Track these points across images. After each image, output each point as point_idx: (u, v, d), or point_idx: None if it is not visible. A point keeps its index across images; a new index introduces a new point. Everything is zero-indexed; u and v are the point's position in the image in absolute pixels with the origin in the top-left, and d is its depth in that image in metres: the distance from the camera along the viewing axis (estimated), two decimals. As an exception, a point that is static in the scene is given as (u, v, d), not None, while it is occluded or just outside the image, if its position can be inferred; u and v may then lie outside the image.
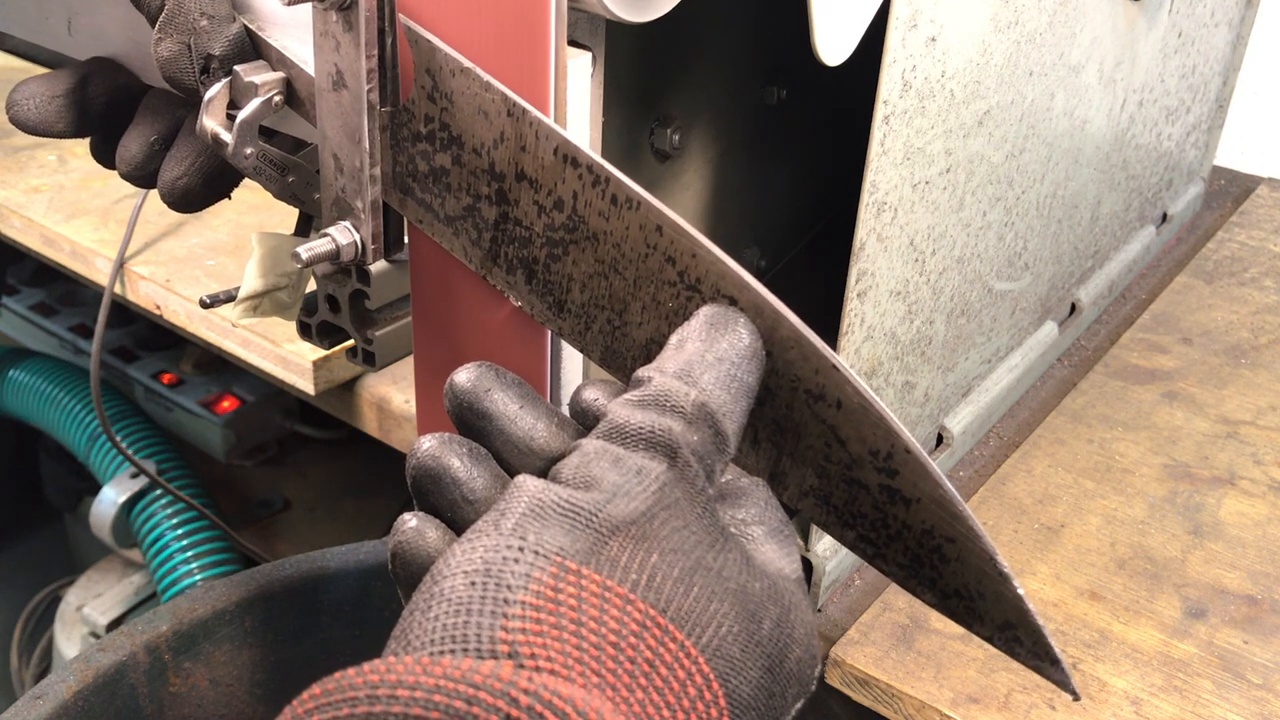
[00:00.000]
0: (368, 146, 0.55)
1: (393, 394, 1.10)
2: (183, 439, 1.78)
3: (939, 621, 0.91)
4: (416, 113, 0.54)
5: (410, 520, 0.48)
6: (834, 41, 0.67)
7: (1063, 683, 0.49)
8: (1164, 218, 1.43)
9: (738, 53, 0.95)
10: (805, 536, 0.90)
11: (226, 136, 0.58)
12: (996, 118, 0.89)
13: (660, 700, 0.40)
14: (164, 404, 1.77)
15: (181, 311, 1.23)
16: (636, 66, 0.84)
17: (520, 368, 0.63)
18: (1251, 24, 1.42)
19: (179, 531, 1.67)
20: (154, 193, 0.68)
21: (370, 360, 1.00)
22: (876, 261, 0.80)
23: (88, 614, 1.76)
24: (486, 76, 0.52)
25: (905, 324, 0.89)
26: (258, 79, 0.57)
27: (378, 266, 0.95)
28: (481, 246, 0.54)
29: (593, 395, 0.50)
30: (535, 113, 0.51)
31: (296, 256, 0.57)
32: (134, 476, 1.72)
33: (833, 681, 0.89)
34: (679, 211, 0.95)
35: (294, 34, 0.59)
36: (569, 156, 0.50)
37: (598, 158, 0.50)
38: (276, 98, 0.58)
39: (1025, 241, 1.04)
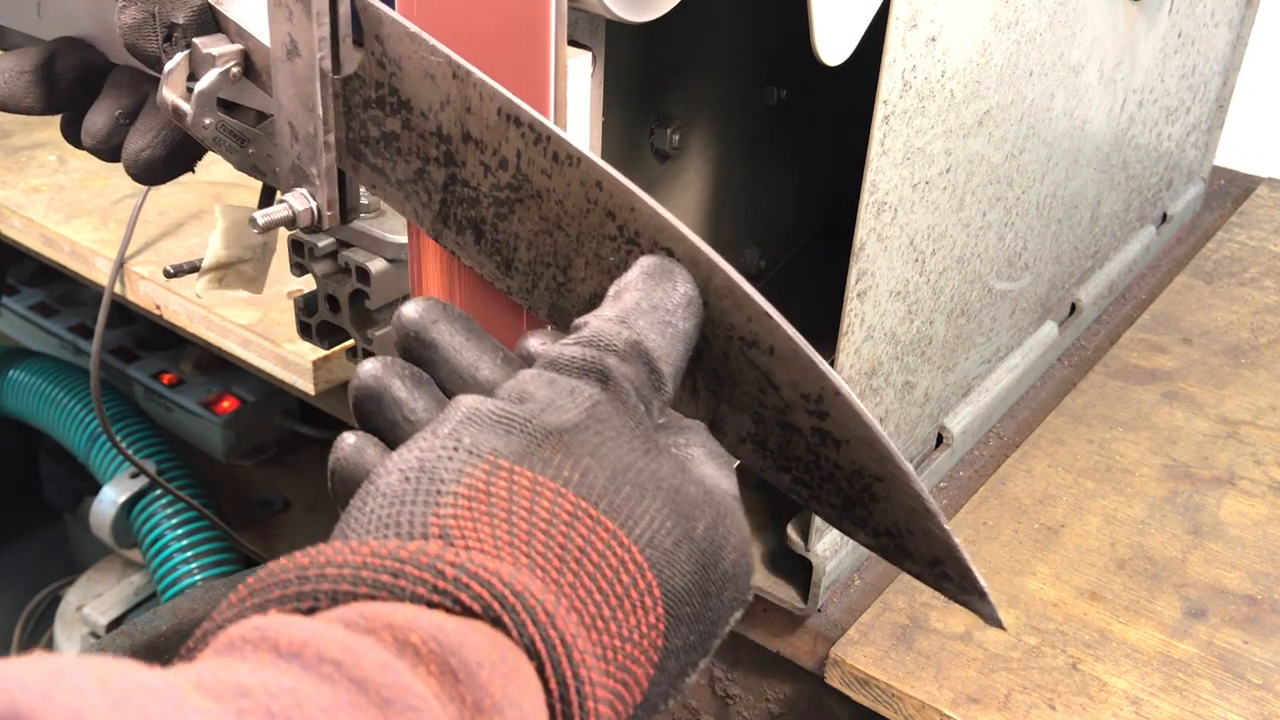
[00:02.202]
0: (321, 114, 0.56)
1: (393, 394, 1.10)
2: (183, 439, 1.78)
3: (939, 621, 0.91)
4: (367, 79, 0.55)
5: (349, 438, 0.48)
6: (834, 41, 0.67)
7: (990, 616, 0.51)
8: (1164, 218, 1.43)
9: (738, 53, 0.95)
10: (805, 537, 0.90)
11: (185, 107, 0.59)
12: (996, 118, 0.89)
13: (592, 584, 0.41)
14: (164, 404, 1.77)
15: (181, 311, 1.23)
16: (636, 66, 0.84)
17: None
18: (1251, 24, 1.42)
19: (179, 531, 1.67)
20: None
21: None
22: (876, 261, 0.80)
23: (88, 614, 1.76)
24: (432, 41, 0.53)
25: (905, 324, 0.89)
26: (215, 50, 0.58)
27: (377, 266, 0.95)
28: (432, 209, 0.56)
29: (537, 341, 0.51)
30: (479, 74, 0.52)
31: (253, 222, 0.58)
32: (134, 476, 1.72)
33: (833, 681, 0.89)
34: (679, 212, 0.95)
35: (252, 8, 0.60)
36: (511, 116, 0.51)
37: (539, 115, 0.51)
38: (234, 69, 0.59)
39: (1025, 241, 1.04)
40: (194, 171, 0.69)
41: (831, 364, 0.82)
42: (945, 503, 1.05)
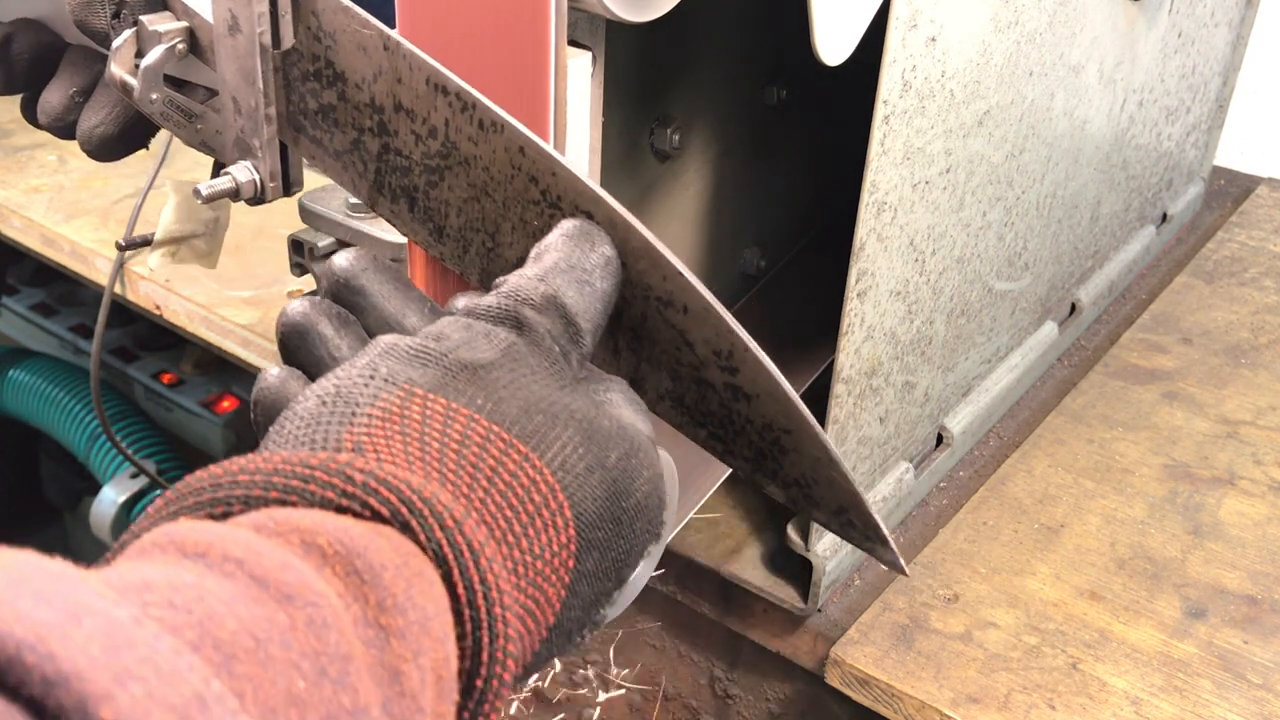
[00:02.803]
0: (262, 87, 0.58)
1: (393, 394, 1.10)
2: (183, 439, 1.78)
3: (939, 621, 0.91)
4: (305, 52, 0.57)
5: (273, 370, 0.50)
6: (834, 41, 0.67)
7: (893, 563, 0.53)
8: (1164, 218, 1.43)
9: (738, 53, 0.95)
10: (805, 537, 0.90)
11: (133, 82, 0.61)
12: (996, 118, 0.89)
13: (503, 501, 0.42)
14: (164, 404, 1.77)
15: (181, 311, 1.23)
16: (636, 66, 0.84)
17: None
18: (1251, 24, 1.42)
19: (179, 531, 1.67)
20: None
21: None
22: (876, 261, 0.80)
23: (88, 614, 1.76)
24: (364, 14, 0.55)
25: (905, 324, 0.89)
26: (162, 27, 0.60)
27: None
28: (367, 179, 0.57)
29: (463, 301, 0.52)
30: (408, 45, 0.53)
31: (197, 193, 0.60)
32: (134, 476, 1.72)
33: (833, 681, 0.89)
34: (678, 212, 0.95)
35: None
36: (439, 85, 0.53)
37: (464, 84, 0.52)
38: (180, 45, 0.61)
39: (1025, 241, 1.04)
40: (148, 148, 0.71)
41: (831, 364, 0.83)
42: (945, 503, 1.05)
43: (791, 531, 0.91)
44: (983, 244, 0.96)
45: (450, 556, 0.39)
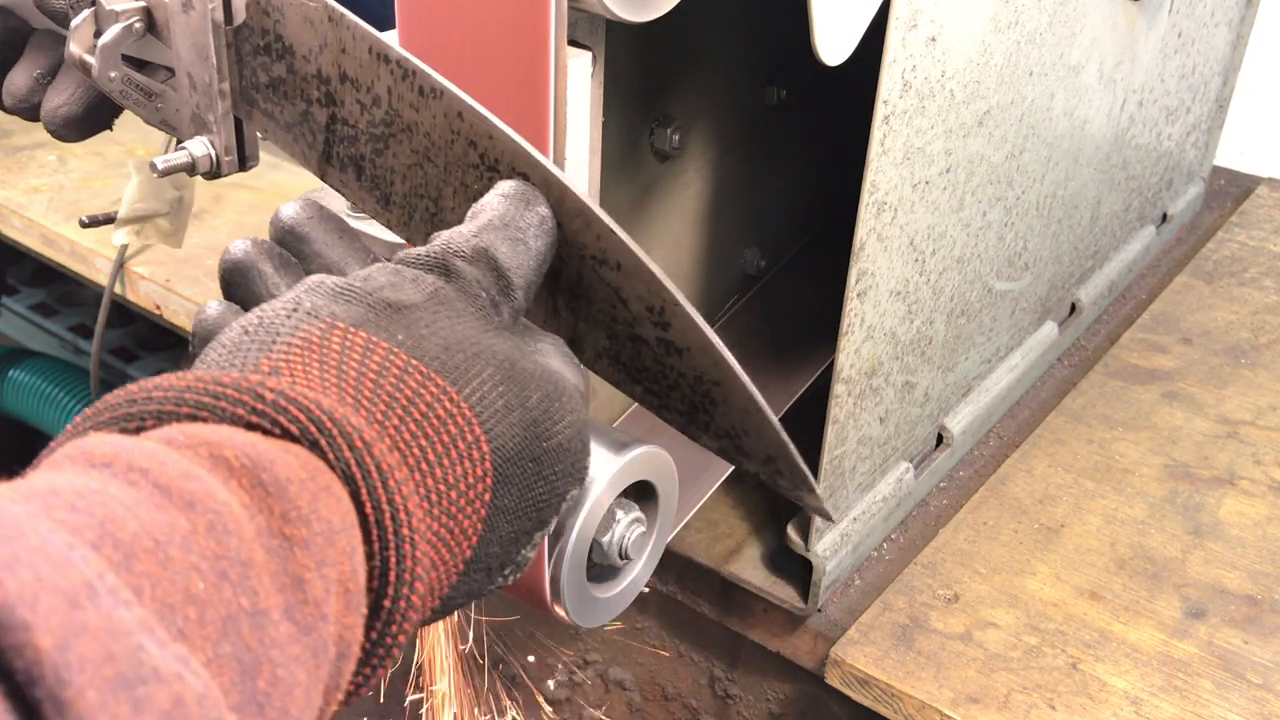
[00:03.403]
0: (215, 63, 0.60)
1: (393, 394, 1.10)
2: (183, 439, 1.78)
3: (939, 621, 0.91)
4: (255, 27, 0.58)
5: (213, 304, 0.51)
6: (834, 41, 0.67)
7: (819, 509, 0.55)
8: (1164, 218, 1.43)
9: (738, 53, 0.95)
10: (805, 537, 0.90)
11: (92, 61, 0.62)
12: (996, 118, 0.89)
13: (417, 430, 0.43)
14: (164, 404, 1.77)
15: (181, 311, 1.23)
16: (636, 66, 0.84)
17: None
18: (1251, 24, 1.42)
19: (179, 531, 1.67)
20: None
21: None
22: (876, 261, 0.80)
23: (88, 614, 1.76)
24: None
25: (905, 324, 0.89)
26: (119, 6, 0.61)
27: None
28: (317, 149, 0.59)
29: (399, 254, 0.54)
30: (350, 16, 0.55)
31: (153, 166, 0.61)
32: (134, 476, 1.72)
33: (833, 681, 0.89)
34: (678, 212, 0.95)
35: None
36: (381, 54, 0.54)
37: (405, 52, 0.54)
38: (137, 24, 0.62)
39: (1025, 241, 1.04)
40: (111, 129, 0.72)
41: (832, 364, 0.83)
42: (945, 503, 1.05)
43: (791, 532, 0.91)
44: (983, 244, 0.96)
45: (358, 476, 0.40)
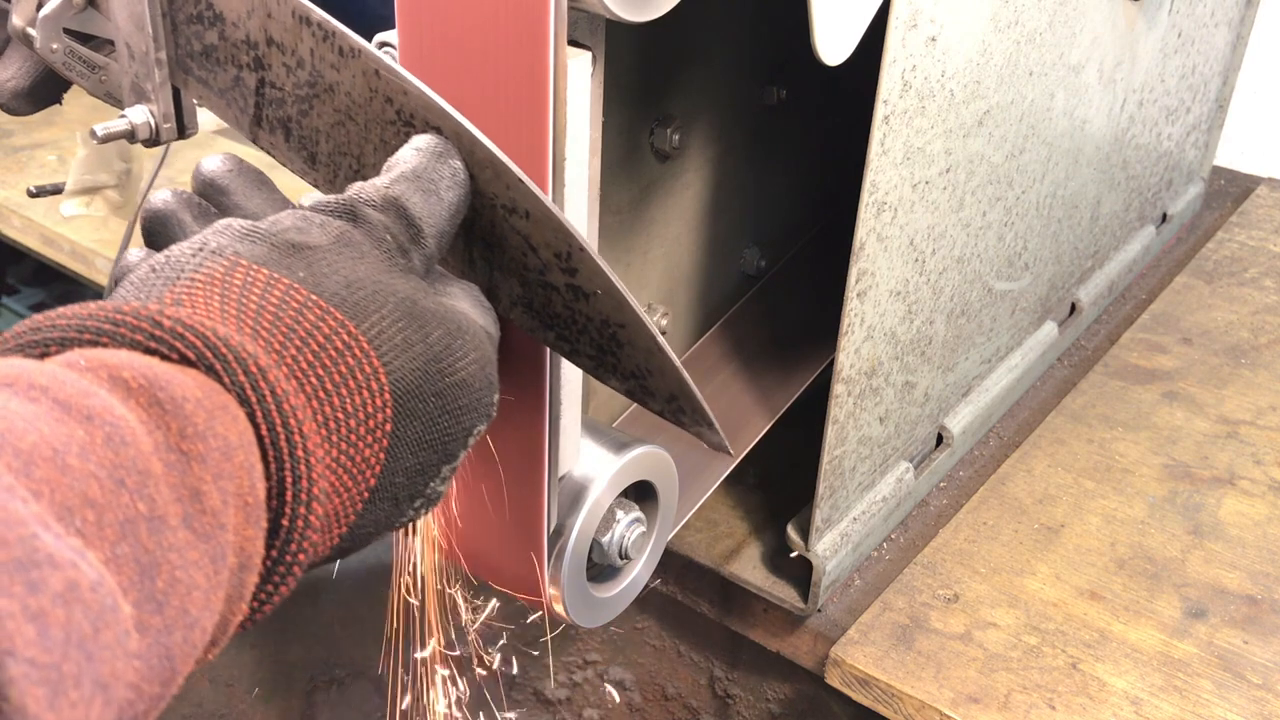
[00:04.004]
0: (151, 32, 0.62)
1: (393, 394, 1.10)
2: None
3: (939, 621, 0.91)
4: None
5: (134, 252, 0.52)
6: (834, 41, 0.67)
7: (718, 444, 0.58)
8: (1164, 218, 1.43)
9: (738, 53, 0.95)
10: (805, 537, 0.90)
11: (34, 33, 0.64)
12: (996, 118, 0.89)
13: (315, 361, 0.45)
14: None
15: (181, 311, 1.22)
16: (636, 66, 0.84)
17: (519, 381, 0.64)
18: (1251, 24, 1.42)
19: (179, 531, 1.67)
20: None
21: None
22: (876, 261, 0.80)
23: (88, 614, 1.76)
24: None
25: (905, 324, 0.89)
26: None
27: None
28: (248, 113, 0.61)
29: (310, 200, 0.55)
30: None
31: (93, 134, 0.63)
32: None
33: (833, 681, 0.89)
34: (678, 212, 0.95)
35: None
36: (303, 16, 0.56)
37: (326, 15, 0.56)
38: None
39: (1025, 241, 1.04)
40: (61, 104, 0.74)
41: (831, 364, 0.83)
42: (945, 503, 1.05)
43: (791, 532, 0.91)
44: (983, 244, 0.96)
45: (253, 398, 0.42)
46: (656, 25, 0.60)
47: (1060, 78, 0.97)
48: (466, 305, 0.53)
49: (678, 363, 0.55)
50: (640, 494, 0.76)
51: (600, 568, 0.76)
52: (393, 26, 0.60)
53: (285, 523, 0.42)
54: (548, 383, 0.64)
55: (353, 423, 0.45)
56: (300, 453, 0.42)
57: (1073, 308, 1.24)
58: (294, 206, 0.55)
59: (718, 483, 0.92)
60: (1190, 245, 1.47)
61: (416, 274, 0.51)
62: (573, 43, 0.62)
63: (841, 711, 0.95)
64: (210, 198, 0.55)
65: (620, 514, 0.74)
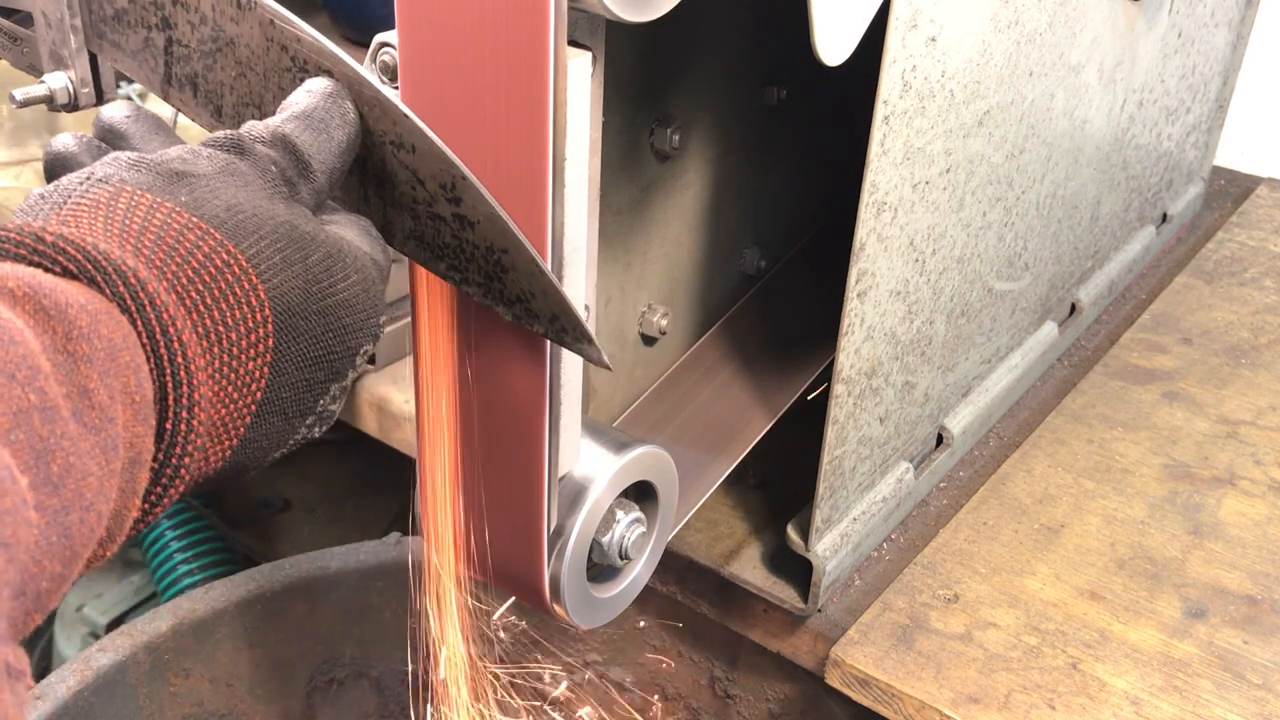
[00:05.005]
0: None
1: (393, 394, 1.10)
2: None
3: (939, 621, 0.91)
4: None
5: (34, 192, 0.54)
6: (834, 41, 0.67)
7: (598, 360, 0.60)
8: (1164, 218, 1.43)
9: (738, 53, 0.95)
10: (805, 537, 0.90)
11: None
12: (996, 118, 0.89)
13: (195, 277, 0.47)
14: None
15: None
16: (636, 66, 0.84)
17: (519, 375, 0.64)
18: (1251, 24, 1.42)
19: (179, 531, 1.67)
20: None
21: (370, 359, 1.00)
22: (876, 261, 0.80)
23: (88, 614, 1.76)
24: None
25: (905, 324, 0.89)
26: None
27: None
28: (159, 72, 0.63)
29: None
30: None
31: (12, 98, 0.66)
32: (134, 476, 1.71)
33: (833, 681, 0.89)
34: (678, 212, 0.95)
35: None
36: None
37: None
38: None
39: (1025, 241, 1.04)
40: None
41: (831, 364, 0.83)
42: (945, 503, 1.05)
43: (791, 532, 0.91)
44: (983, 244, 0.96)
45: (133, 307, 0.44)
46: (656, 25, 0.60)
47: (1060, 78, 0.97)
48: (353, 234, 0.56)
49: (558, 284, 0.58)
50: (640, 494, 0.76)
51: (600, 568, 0.76)
52: (393, 26, 0.60)
53: (169, 425, 0.45)
54: (548, 383, 0.64)
55: (234, 335, 0.48)
56: (180, 359, 0.45)
57: (1073, 308, 1.24)
58: (188, 145, 0.57)
59: (718, 483, 0.92)
60: (1190, 245, 1.47)
61: (304, 205, 0.54)
62: (573, 43, 0.62)
63: (841, 711, 0.95)
64: (111, 143, 0.57)
65: (620, 514, 0.74)
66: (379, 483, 1.77)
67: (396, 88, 0.62)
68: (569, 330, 0.59)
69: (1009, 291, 1.06)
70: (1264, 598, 0.94)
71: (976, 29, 0.81)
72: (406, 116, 0.56)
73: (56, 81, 0.67)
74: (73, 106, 0.67)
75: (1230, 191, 1.60)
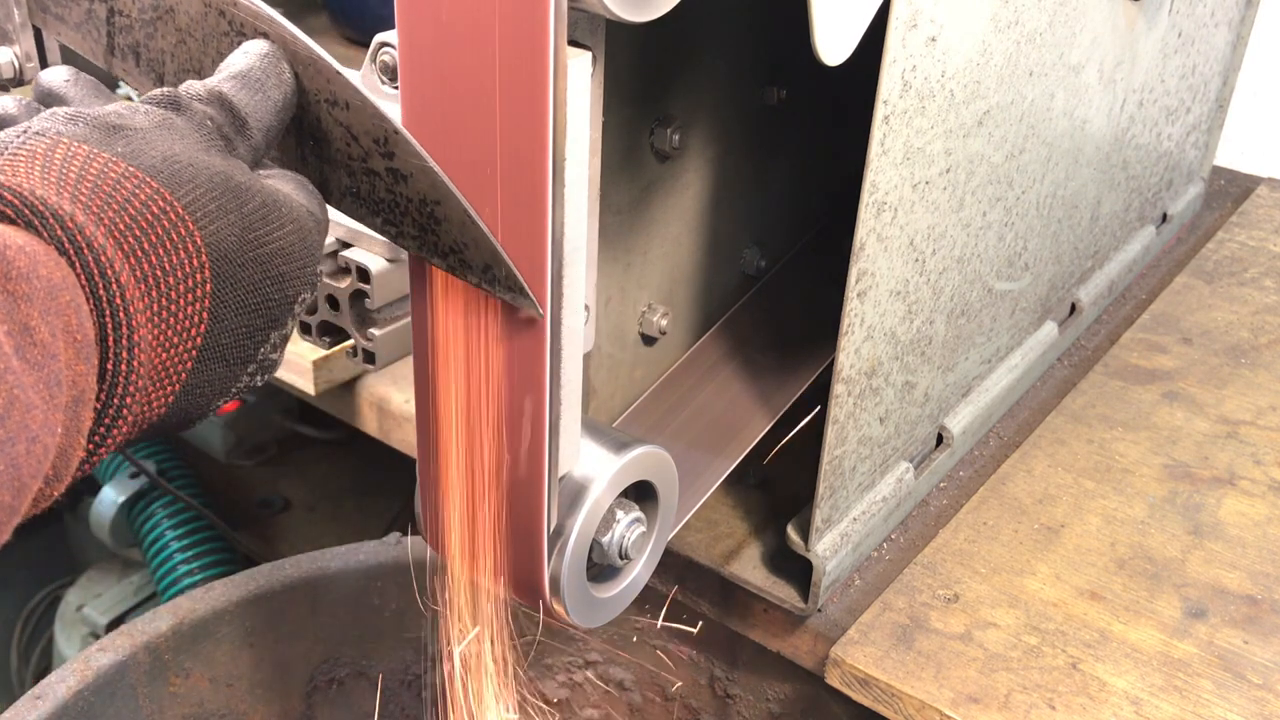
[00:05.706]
0: None
1: (392, 394, 1.10)
2: (182, 439, 1.78)
3: (939, 621, 0.91)
4: None
5: None
6: (834, 41, 0.67)
7: (532, 309, 0.60)
8: (1164, 218, 1.43)
9: (738, 53, 0.95)
10: (805, 537, 0.90)
11: None
12: (996, 118, 0.89)
13: (132, 223, 0.48)
14: (164, 404, 1.76)
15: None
16: (636, 66, 0.84)
17: (519, 373, 0.64)
18: (1251, 24, 1.42)
19: (179, 531, 1.67)
20: None
21: (370, 359, 1.00)
22: (876, 261, 0.80)
23: (88, 614, 1.76)
24: None
25: (905, 324, 0.89)
26: None
27: (378, 266, 0.95)
28: (101, 43, 0.64)
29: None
30: None
31: None
32: (134, 476, 1.72)
33: (833, 681, 0.89)
34: (678, 212, 0.95)
35: None
36: None
37: None
38: None
39: (1025, 241, 1.04)
40: None
41: (831, 364, 0.83)
42: (945, 503, 1.05)
43: (791, 532, 0.91)
44: (983, 244, 0.96)
45: (70, 250, 0.45)
46: (656, 25, 0.60)
47: (1060, 78, 0.97)
48: (290, 188, 0.57)
49: (490, 233, 0.58)
50: (640, 494, 0.76)
51: (600, 568, 0.76)
52: (393, 26, 0.60)
53: (110, 365, 0.46)
54: (548, 383, 0.64)
55: (172, 280, 0.49)
56: (119, 300, 0.46)
57: (1073, 308, 1.24)
58: (121, 100, 0.58)
59: (718, 483, 0.92)
60: (1190, 245, 1.47)
61: (233, 155, 0.55)
62: (573, 43, 0.62)
63: (841, 711, 0.95)
64: (46, 102, 0.58)
65: (620, 514, 0.74)
66: (379, 483, 1.77)
67: (396, 87, 0.62)
68: (500, 280, 0.59)
69: (1009, 291, 1.06)
70: (1264, 598, 0.94)
71: (976, 29, 0.81)
72: (339, 74, 0.57)
73: (2, 57, 0.68)
74: (18, 81, 0.69)
75: (1230, 191, 1.60)
